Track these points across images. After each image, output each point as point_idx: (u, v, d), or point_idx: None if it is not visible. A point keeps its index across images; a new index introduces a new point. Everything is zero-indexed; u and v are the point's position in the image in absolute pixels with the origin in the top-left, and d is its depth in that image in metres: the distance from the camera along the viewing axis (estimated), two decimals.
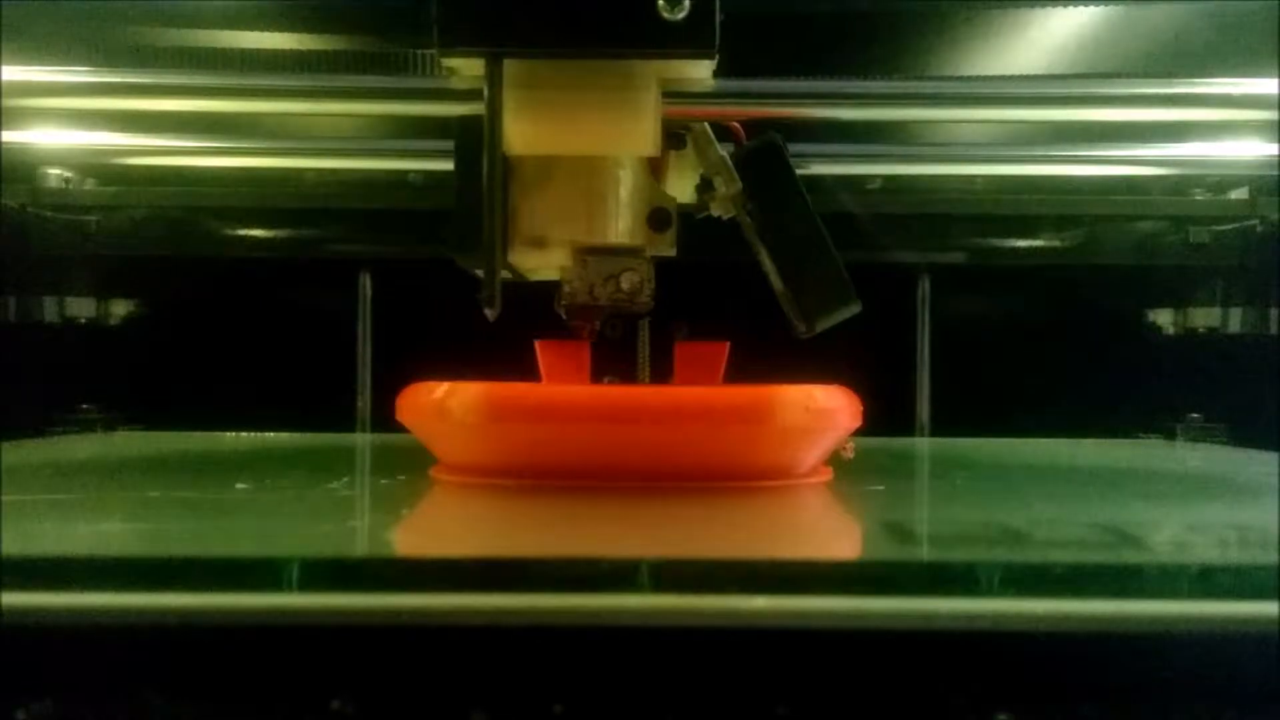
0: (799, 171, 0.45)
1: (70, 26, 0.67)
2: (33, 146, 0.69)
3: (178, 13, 0.69)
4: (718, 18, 0.40)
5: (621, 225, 0.45)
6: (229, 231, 0.75)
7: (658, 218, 0.45)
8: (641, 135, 0.43)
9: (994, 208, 0.74)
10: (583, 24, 0.41)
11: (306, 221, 0.75)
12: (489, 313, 0.42)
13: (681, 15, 0.40)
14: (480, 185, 0.42)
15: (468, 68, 0.43)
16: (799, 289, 0.44)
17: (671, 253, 0.45)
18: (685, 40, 0.41)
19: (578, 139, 0.43)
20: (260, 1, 0.69)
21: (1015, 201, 0.74)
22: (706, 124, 0.46)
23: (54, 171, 0.74)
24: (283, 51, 0.70)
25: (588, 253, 0.45)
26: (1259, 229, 0.73)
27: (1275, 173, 0.69)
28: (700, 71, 0.44)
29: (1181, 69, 0.67)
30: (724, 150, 0.46)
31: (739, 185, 0.45)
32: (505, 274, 0.45)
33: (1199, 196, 0.76)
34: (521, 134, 0.42)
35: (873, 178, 0.73)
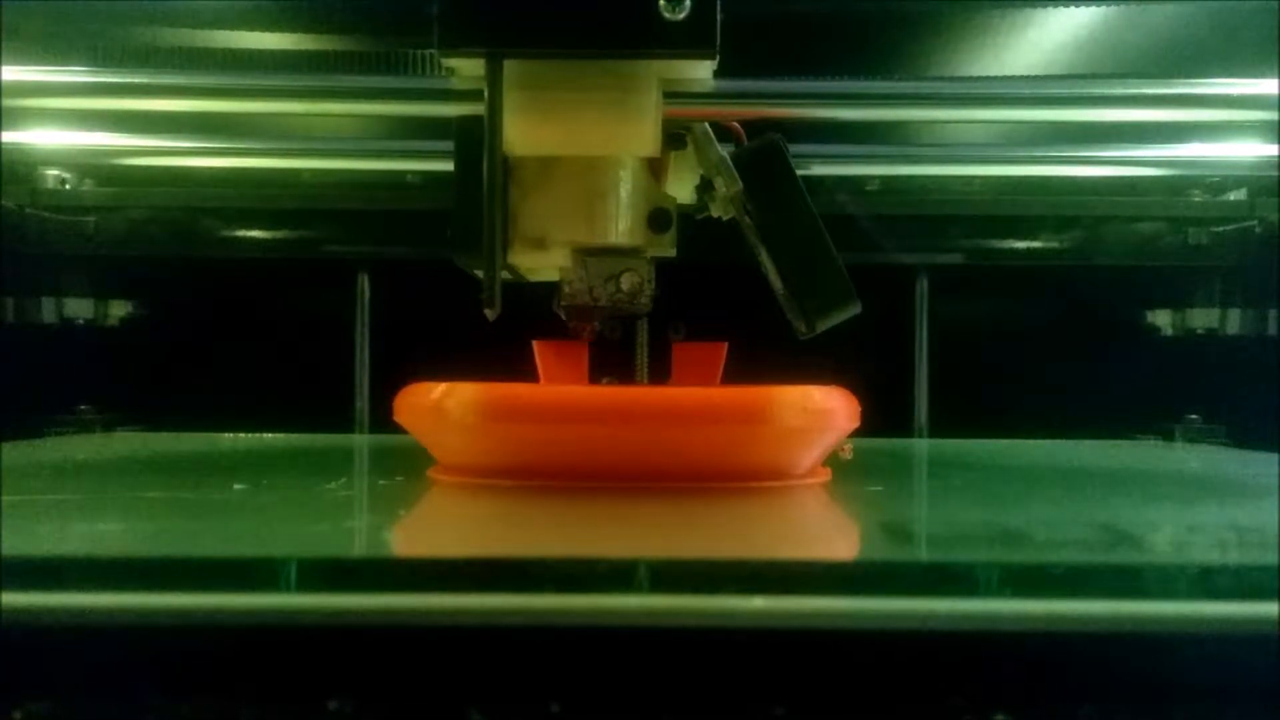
0: (801, 172, 0.45)
1: (67, 26, 0.67)
2: (32, 147, 0.69)
3: (176, 13, 0.68)
4: (718, 17, 0.40)
5: (621, 226, 0.44)
6: (227, 232, 0.75)
7: (658, 218, 0.45)
8: (642, 136, 0.43)
9: (992, 208, 0.75)
10: (583, 24, 0.40)
11: (305, 222, 0.75)
12: (489, 313, 0.42)
13: (682, 15, 0.40)
14: (480, 185, 0.42)
15: (468, 68, 0.43)
16: (800, 290, 0.44)
17: (672, 253, 0.45)
18: (686, 40, 0.40)
19: (578, 139, 0.43)
20: (260, 1, 0.69)
21: (1014, 202, 0.74)
22: (707, 124, 0.46)
23: (53, 172, 0.74)
24: (282, 51, 0.70)
25: (587, 253, 0.45)
26: (1257, 230, 0.73)
27: (1273, 174, 0.69)
28: (701, 71, 0.44)
29: (1181, 69, 0.67)
30: (724, 150, 0.46)
31: (739, 186, 0.44)
32: (505, 274, 0.45)
33: (1198, 198, 0.76)
34: (521, 134, 0.42)
35: (871, 178, 0.73)
